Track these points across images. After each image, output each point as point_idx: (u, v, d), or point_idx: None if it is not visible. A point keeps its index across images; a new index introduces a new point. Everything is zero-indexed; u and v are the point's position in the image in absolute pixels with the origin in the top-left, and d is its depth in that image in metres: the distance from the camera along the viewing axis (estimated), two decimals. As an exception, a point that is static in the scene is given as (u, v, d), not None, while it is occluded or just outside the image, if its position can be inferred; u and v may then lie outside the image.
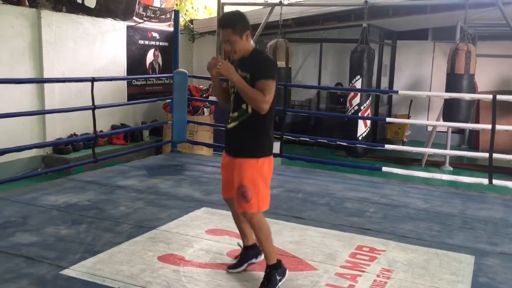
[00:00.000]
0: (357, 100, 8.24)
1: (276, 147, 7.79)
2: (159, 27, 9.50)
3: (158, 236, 3.75)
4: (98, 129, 5.90)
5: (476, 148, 9.98)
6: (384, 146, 6.35)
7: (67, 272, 3.10)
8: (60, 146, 7.36)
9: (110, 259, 3.31)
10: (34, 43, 7.02)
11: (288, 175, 5.93)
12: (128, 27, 8.63)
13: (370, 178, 5.98)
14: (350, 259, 3.43)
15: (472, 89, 7.32)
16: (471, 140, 10.61)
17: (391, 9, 8.61)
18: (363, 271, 3.25)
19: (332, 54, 11.29)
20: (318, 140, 7.06)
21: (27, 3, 6.88)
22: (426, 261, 3.46)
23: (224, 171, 3.10)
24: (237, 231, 3.28)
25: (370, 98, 8.38)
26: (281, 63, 8.38)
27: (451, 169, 8.57)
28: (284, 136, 6.35)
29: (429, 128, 9.88)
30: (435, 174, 6.10)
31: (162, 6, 9.42)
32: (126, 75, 8.64)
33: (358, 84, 8.07)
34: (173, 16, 7.85)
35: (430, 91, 10.65)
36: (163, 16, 9.54)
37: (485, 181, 5.39)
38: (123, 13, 8.51)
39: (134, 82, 8.90)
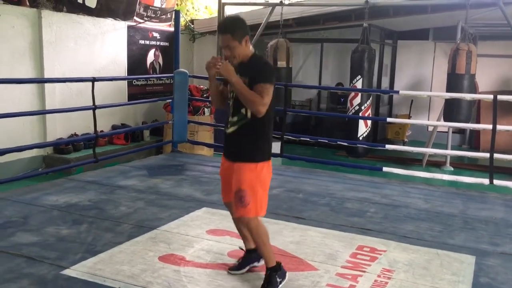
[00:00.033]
0: (357, 100, 8.23)
1: (277, 147, 7.82)
2: (160, 27, 9.50)
3: (159, 236, 3.75)
4: (98, 129, 5.90)
5: (476, 148, 9.97)
6: (384, 146, 6.34)
7: (67, 272, 3.10)
8: (60, 146, 7.36)
9: (110, 259, 3.31)
10: (35, 43, 7.03)
11: (288, 175, 5.93)
12: (129, 27, 8.63)
13: (371, 178, 5.98)
14: (350, 259, 3.43)
15: (473, 89, 7.31)
16: (472, 140, 10.60)
17: (392, 9, 8.61)
18: (364, 271, 3.25)
19: (332, 54, 11.28)
20: (319, 140, 7.06)
21: (27, 3, 6.88)
22: (427, 261, 3.45)
23: (223, 175, 3.10)
24: (237, 231, 3.27)
25: (370, 98, 8.38)
26: (281, 63, 8.38)
27: (452, 169, 8.56)
28: (284, 136, 6.35)
29: (430, 128, 9.88)
30: (436, 174, 6.09)
31: (163, 6, 9.42)
32: (126, 75, 8.64)
33: (358, 84, 8.07)
34: (173, 16, 7.86)
35: (430, 91, 10.64)
36: (164, 16, 9.54)
37: (486, 181, 5.39)
38: (124, 13, 8.51)
39: (134, 82, 8.90)
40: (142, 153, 7.60)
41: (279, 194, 5.08)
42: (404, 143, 10.02)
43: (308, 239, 3.79)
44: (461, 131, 10.62)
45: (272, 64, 2.99)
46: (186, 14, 10.31)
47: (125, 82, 8.67)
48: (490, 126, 5.38)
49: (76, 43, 7.67)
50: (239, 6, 9.71)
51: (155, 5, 9.19)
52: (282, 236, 3.83)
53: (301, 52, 11.45)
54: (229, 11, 9.26)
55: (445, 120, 7.25)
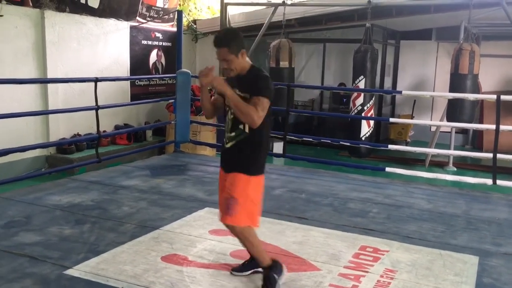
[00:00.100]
0: (360, 100, 8.22)
1: (279, 147, 7.82)
2: (162, 27, 9.50)
3: (162, 236, 3.75)
4: (101, 129, 5.91)
5: (480, 149, 9.94)
6: (387, 147, 6.34)
7: (70, 272, 3.10)
8: (63, 146, 7.37)
9: (113, 259, 3.31)
10: (38, 43, 7.04)
11: (291, 175, 5.93)
12: (131, 27, 8.64)
13: (374, 179, 5.97)
14: (353, 260, 3.43)
15: (476, 89, 7.29)
16: (475, 140, 10.57)
17: (395, 9, 8.59)
18: (367, 272, 3.24)
19: (335, 54, 11.27)
20: (321, 140, 7.05)
21: (30, 4, 6.90)
22: (429, 261, 3.45)
23: (219, 184, 3.10)
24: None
25: (373, 98, 8.36)
26: (284, 63, 8.37)
27: (455, 169, 8.54)
28: (287, 136, 6.35)
29: (433, 128, 9.85)
30: (439, 174, 6.08)
31: (165, 6, 9.43)
32: (129, 75, 8.65)
33: (361, 84, 8.06)
34: (176, 16, 7.86)
35: (433, 91, 10.61)
36: (166, 16, 9.55)
37: (489, 181, 5.38)
38: (126, 13, 8.52)
39: (137, 82, 8.91)
40: (144, 153, 7.61)
41: (281, 194, 5.07)
42: (407, 143, 10.00)
43: (311, 239, 3.78)
44: (464, 131, 10.59)
45: (270, 79, 2.98)
46: (188, 14, 10.31)
47: (128, 82, 8.68)
48: (493, 126, 5.36)
49: (79, 44, 7.68)
50: (241, 6, 9.71)
51: (157, 5, 9.20)
52: (285, 236, 3.83)
53: (304, 52, 11.44)
54: (232, 11, 9.26)
55: (448, 120, 7.24)
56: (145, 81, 9.11)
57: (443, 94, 7.95)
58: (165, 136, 8.79)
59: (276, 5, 8.22)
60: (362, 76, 8.07)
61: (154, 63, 9.35)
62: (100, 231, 3.81)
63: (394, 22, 9.43)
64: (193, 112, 7.75)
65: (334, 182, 5.66)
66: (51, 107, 7.15)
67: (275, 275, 2.92)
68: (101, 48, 8.09)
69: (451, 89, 7.06)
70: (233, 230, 2.91)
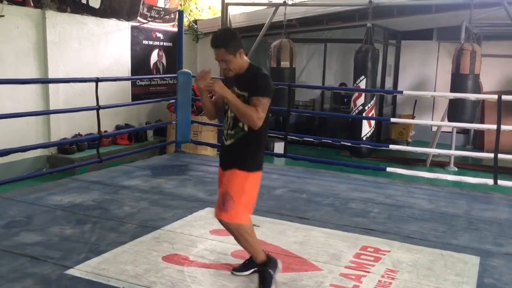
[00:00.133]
0: (361, 100, 8.22)
1: (280, 147, 7.81)
2: (163, 28, 9.51)
3: (163, 236, 3.75)
4: (102, 129, 5.91)
5: (481, 149, 9.94)
6: (388, 147, 6.34)
7: (71, 271, 3.10)
8: (64, 146, 7.37)
9: (114, 259, 3.31)
10: (39, 43, 7.05)
11: (292, 175, 5.93)
12: (133, 28, 8.65)
13: (375, 179, 5.97)
14: (354, 260, 3.42)
15: (477, 89, 7.29)
16: (476, 140, 10.56)
17: (396, 9, 8.59)
18: (368, 272, 3.24)
19: (336, 54, 11.27)
20: (322, 140, 7.05)
21: (32, 4, 6.91)
22: (431, 261, 3.44)
23: (219, 183, 3.10)
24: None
25: (374, 98, 8.37)
26: (285, 63, 8.37)
27: (456, 169, 8.54)
28: (288, 136, 6.35)
29: (434, 128, 9.85)
30: (440, 174, 6.08)
31: (166, 7, 9.43)
32: (130, 75, 8.66)
33: (362, 84, 8.06)
34: (177, 17, 7.86)
35: (434, 91, 10.61)
36: (167, 17, 9.55)
37: (490, 181, 5.37)
38: (128, 14, 8.52)
39: (138, 82, 8.91)
40: (145, 153, 7.61)
41: (282, 194, 5.07)
42: (407, 143, 9.99)
43: (312, 239, 3.78)
44: (465, 131, 10.59)
45: (269, 77, 2.98)
46: (189, 14, 10.32)
47: (129, 82, 8.69)
48: (494, 126, 5.36)
49: (80, 44, 7.69)
50: (242, 7, 9.70)
51: (158, 5, 9.21)
52: (286, 236, 3.83)
53: (305, 52, 11.44)
54: (233, 11, 9.26)
55: (449, 120, 7.23)
56: (146, 81, 9.12)
57: (444, 94, 7.94)
58: (166, 136, 8.80)
59: (277, 5, 8.22)
60: (363, 76, 8.08)
61: (155, 63, 9.36)
62: (101, 231, 3.82)
63: (395, 22, 9.43)
64: (194, 112, 7.76)
65: (335, 182, 5.66)
66: (52, 107, 7.16)
67: (270, 271, 2.93)
68: (102, 48, 8.09)
69: (452, 89, 7.05)
70: (228, 226, 2.90)
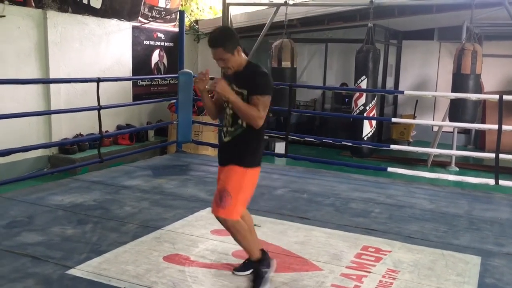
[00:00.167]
0: (362, 100, 8.21)
1: (281, 147, 7.80)
2: (164, 28, 9.51)
3: (164, 236, 3.76)
4: (103, 129, 5.91)
5: (482, 149, 9.93)
6: (389, 147, 6.33)
7: (73, 272, 3.11)
8: (66, 146, 7.38)
9: (115, 259, 3.32)
10: (40, 43, 7.06)
11: (293, 175, 5.93)
12: (134, 28, 8.65)
13: (376, 179, 5.96)
14: (355, 260, 3.42)
15: (478, 89, 7.28)
16: (477, 140, 10.56)
17: (397, 9, 8.58)
18: (369, 272, 3.24)
19: (337, 54, 11.26)
20: (323, 140, 7.05)
21: (33, 4, 6.91)
22: (432, 262, 3.44)
23: (218, 181, 3.10)
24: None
25: (375, 98, 8.36)
26: (286, 64, 8.37)
27: (457, 169, 8.53)
28: (289, 137, 6.35)
29: (435, 128, 9.84)
30: (441, 174, 6.08)
31: (167, 7, 9.44)
32: (131, 75, 8.66)
33: (363, 84, 8.05)
34: (178, 17, 7.86)
35: (436, 91, 10.60)
36: (168, 17, 9.56)
37: (491, 181, 5.37)
38: (129, 14, 8.53)
39: (139, 82, 8.92)
40: (146, 153, 7.61)
41: (283, 194, 5.07)
42: (409, 143, 9.99)
43: (313, 239, 3.78)
44: (466, 131, 10.58)
45: (269, 74, 2.97)
46: (190, 14, 10.32)
47: (130, 82, 8.69)
48: (495, 126, 5.36)
49: (81, 44, 7.69)
50: (243, 7, 9.71)
51: (159, 5, 9.21)
52: (287, 236, 3.83)
53: (306, 52, 11.44)
54: (234, 11, 9.26)
55: (450, 120, 7.23)
56: (147, 81, 9.12)
57: (445, 94, 7.94)
58: (167, 136, 8.80)
59: (278, 5, 8.22)
60: (364, 76, 8.07)
61: (156, 63, 9.36)
62: (102, 231, 3.82)
63: (396, 22, 9.42)
64: (195, 112, 7.77)
65: (336, 182, 5.66)
66: (53, 107, 7.16)
67: (263, 270, 2.93)
68: (103, 48, 8.10)
69: (453, 89, 7.05)
70: (225, 223, 2.89)
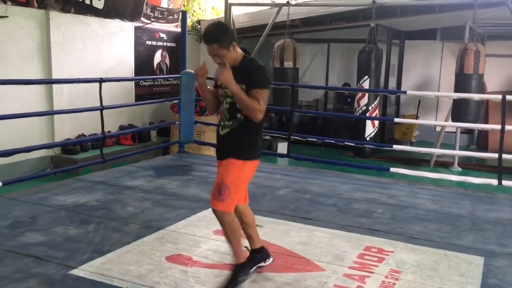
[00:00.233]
0: (365, 100, 8.21)
1: (284, 147, 7.79)
2: (167, 28, 9.52)
3: (166, 236, 3.76)
4: (106, 129, 5.92)
5: (485, 149, 9.91)
6: (392, 147, 6.32)
7: (75, 272, 3.11)
8: (68, 147, 7.39)
9: (118, 259, 3.32)
10: (43, 44, 7.07)
11: (295, 176, 5.92)
12: (136, 28, 8.66)
13: (378, 179, 5.95)
14: (358, 260, 3.42)
15: (481, 89, 7.27)
16: (480, 140, 10.53)
17: (399, 9, 8.57)
18: (371, 272, 3.24)
19: (339, 54, 11.25)
20: (326, 140, 7.04)
21: (36, 5, 6.93)
22: (435, 262, 3.44)
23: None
24: (242, 231, 3.26)
25: (378, 99, 8.35)
26: (288, 64, 8.38)
27: (460, 169, 8.51)
28: (291, 137, 6.34)
29: (438, 129, 9.82)
30: (444, 174, 6.06)
31: (170, 7, 9.44)
32: (133, 75, 8.67)
33: (366, 85, 8.04)
34: (180, 17, 7.88)
35: (438, 91, 10.59)
36: (171, 17, 9.57)
37: (494, 182, 5.35)
38: (131, 14, 8.54)
39: (141, 82, 8.93)
40: (149, 153, 7.62)
41: (286, 194, 5.07)
42: (411, 144, 9.98)
43: (315, 240, 3.78)
44: (469, 131, 10.55)
45: (265, 66, 2.98)
46: (192, 14, 10.33)
47: (132, 82, 8.70)
48: (498, 127, 5.34)
49: (84, 44, 7.70)
50: (245, 7, 9.71)
51: (162, 6, 9.22)
52: (289, 236, 3.83)
53: (308, 53, 11.44)
54: (236, 11, 9.27)
55: (453, 120, 7.22)
56: (150, 81, 9.13)
57: (448, 94, 7.93)
58: (169, 136, 8.80)
59: (280, 5, 8.22)
60: (366, 76, 8.06)
61: (159, 64, 9.37)
62: (105, 231, 3.82)
63: (399, 22, 9.41)
64: (197, 112, 7.77)
65: (338, 183, 5.65)
66: (56, 107, 7.17)
67: (241, 276, 2.91)
68: (106, 48, 8.11)
69: (456, 89, 7.04)
70: (221, 219, 2.88)
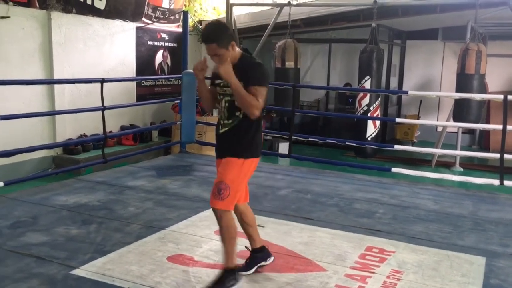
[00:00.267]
0: (366, 100, 8.20)
1: (285, 147, 7.79)
2: (168, 28, 9.53)
3: (168, 236, 3.76)
4: (107, 129, 5.93)
5: (486, 149, 9.90)
6: (393, 147, 6.31)
7: (77, 272, 3.11)
8: (70, 147, 7.40)
9: (120, 259, 3.32)
10: (44, 44, 7.08)
11: (296, 176, 5.92)
12: (137, 28, 8.67)
13: (379, 179, 5.95)
14: (359, 260, 3.42)
15: (483, 89, 7.26)
16: (482, 140, 10.52)
17: (401, 9, 8.56)
18: (373, 272, 3.23)
19: (341, 54, 11.25)
20: (327, 140, 7.04)
21: (37, 5, 6.93)
22: (436, 262, 3.43)
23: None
24: (243, 231, 3.27)
25: (379, 99, 8.34)
26: (289, 64, 8.37)
27: (462, 170, 8.50)
28: (292, 137, 6.34)
29: (439, 129, 9.82)
30: (445, 175, 6.06)
31: (171, 7, 9.45)
32: (135, 76, 8.68)
33: (367, 85, 8.04)
34: (182, 17, 7.87)
35: (440, 91, 10.57)
36: (172, 17, 9.57)
37: (496, 182, 5.34)
38: (132, 14, 8.55)
39: (143, 83, 8.93)
40: (150, 153, 7.62)
41: (287, 194, 5.07)
42: (413, 144, 9.97)
43: (317, 240, 3.78)
44: (470, 131, 10.54)
45: (264, 64, 2.98)
46: (194, 15, 10.33)
47: (134, 83, 8.71)
48: (500, 127, 5.34)
49: (85, 44, 7.71)
50: (247, 7, 9.71)
51: (163, 6, 9.23)
52: (291, 236, 3.83)
53: (309, 53, 11.43)
54: (237, 11, 9.27)
55: (454, 120, 7.21)
56: (151, 81, 9.13)
57: (449, 94, 7.92)
58: (170, 136, 8.81)
59: (281, 6, 8.22)
60: (368, 76, 8.05)
61: (160, 64, 9.37)
62: (106, 231, 3.83)
63: (400, 22, 9.40)
64: (198, 112, 7.77)
65: (339, 183, 5.65)
66: (57, 107, 7.18)
67: (229, 281, 2.88)
68: (107, 49, 8.12)
69: (458, 89, 7.03)
70: (220, 219, 2.87)
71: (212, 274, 3.13)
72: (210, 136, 8.32)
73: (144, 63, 8.93)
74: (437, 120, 10.66)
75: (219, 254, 3.43)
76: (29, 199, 4.63)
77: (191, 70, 7.14)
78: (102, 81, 5.66)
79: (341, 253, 3.54)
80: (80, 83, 7.39)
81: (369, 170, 6.60)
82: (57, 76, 7.18)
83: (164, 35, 9.38)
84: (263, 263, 3.17)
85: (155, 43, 9.18)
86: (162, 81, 9.42)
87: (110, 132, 7.44)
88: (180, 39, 8.69)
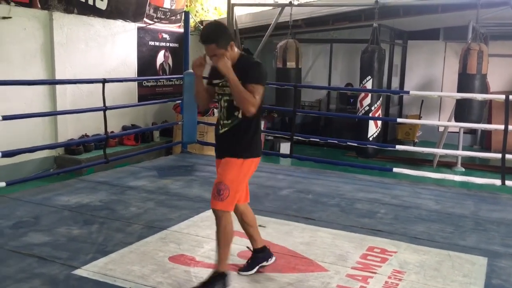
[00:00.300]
0: (367, 100, 8.20)
1: (286, 147, 7.79)
2: (170, 28, 9.53)
3: (169, 236, 3.76)
4: (109, 130, 5.93)
5: (488, 149, 9.89)
6: (395, 147, 6.32)
7: (79, 272, 3.12)
8: (71, 147, 7.41)
9: (121, 259, 3.33)
10: (46, 44, 7.08)
11: (298, 176, 5.92)
12: (139, 29, 8.67)
13: (381, 179, 5.95)
14: (361, 260, 3.42)
15: (484, 89, 7.25)
16: (483, 140, 10.51)
17: (402, 9, 8.56)
18: (374, 273, 3.23)
19: (342, 54, 11.25)
20: (328, 140, 7.04)
21: (39, 5, 6.94)
22: (438, 262, 3.43)
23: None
24: (244, 231, 3.27)
25: (380, 99, 8.34)
26: (291, 64, 8.37)
27: (463, 170, 8.49)
28: (294, 137, 6.34)
29: (441, 129, 9.81)
30: (447, 175, 6.06)
31: (172, 7, 9.46)
32: (136, 76, 8.69)
33: (368, 85, 8.04)
34: (183, 17, 7.88)
35: (441, 91, 10.57)
36: (173, 17, 9.58)
37: (497, 182, 5.34)
38: (134, 15, 8.55)
39: (144, 83, 8.94)
40: (152, 153, 7.63)
41: (288, 194, 5.07)
42: (414, 144, 9.96)
43: (318, 240, 3.78)
44: (472, 131, 10.54)
45: (262, 64, 2.98)
46: (195, 15, 10.33)
47: (135, 83, 8.71)
48: (501, 126, 5.33)
49: (87, 45, 7.72)
50: (248, 7, 9.71)
51: (164, 6, 9.23)
52: (292, 237, 3.83)
53: (311, 53, 11.43)
54: (239, 12, 9.27)
55: (456, 120, 7.20)
56: (153, 82, 9.14)
57: (451, 94, 7.91)
58: (172, 136, 8.81)
59: (283, 6, 8.22)
60: (369, 76, 8.06)
61: (161, 64, 9.38)
62: (108, 232, 3.83)
63: (402, 22, 9.39)
64: (200, 112, 7.77)
65: (341, 183, 5.65)
66: (59, 108, 7.19)
67: (218, 285, 2.88)
68: (109, 49, 8.13)
69: (459, 89, 7.02)
70: (219, 221, 2.87)
71: (213, 274, 3.14)
72: (212, 136, 8.25)
73: (146, 64, 8.93)
74: (439, 120, 10.65)
75: (220, 254, 3.43)
76: (31, 199, 4.63)
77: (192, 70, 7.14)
78: (104, 81, 5.67)
79: (343, 253, 3.54)
80: (81, 83, 7.39)
81: (371, 170, 6.59)
82: (58, 76, 7.18)
83: (165, 36, 9.38)
84: (264, 263, 3.18)
85: (157, 43, 9.19)
86: (163, 81, 9.43)
87: (112, 132, 7.45)
88: (181, 39, 8.70)
